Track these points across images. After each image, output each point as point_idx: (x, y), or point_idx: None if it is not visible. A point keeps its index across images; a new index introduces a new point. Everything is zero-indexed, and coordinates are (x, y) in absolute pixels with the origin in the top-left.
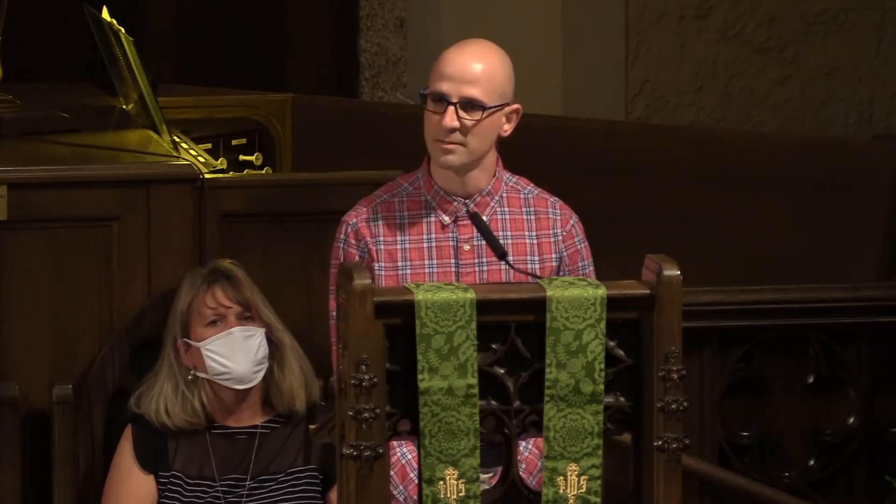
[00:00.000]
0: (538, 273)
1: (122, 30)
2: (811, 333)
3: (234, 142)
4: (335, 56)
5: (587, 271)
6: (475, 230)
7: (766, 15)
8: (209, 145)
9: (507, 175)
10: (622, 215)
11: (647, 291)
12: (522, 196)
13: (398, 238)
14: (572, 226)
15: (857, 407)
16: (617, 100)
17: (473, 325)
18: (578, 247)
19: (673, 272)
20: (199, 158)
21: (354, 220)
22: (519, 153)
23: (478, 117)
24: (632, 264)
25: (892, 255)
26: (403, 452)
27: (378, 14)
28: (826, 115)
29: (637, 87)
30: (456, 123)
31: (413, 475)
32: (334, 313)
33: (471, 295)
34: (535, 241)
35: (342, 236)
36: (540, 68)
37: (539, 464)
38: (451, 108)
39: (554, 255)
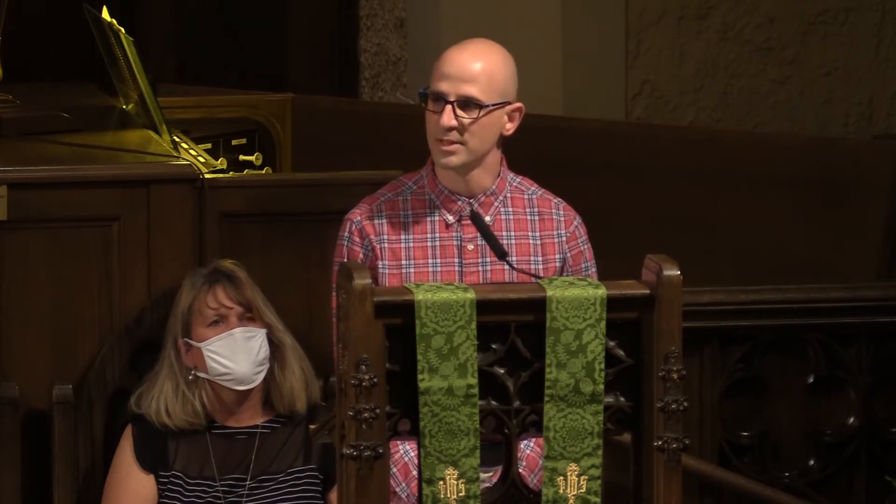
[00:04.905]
0: (541, 274)
1: (122, 30)
2: (811, 333)
3: (234, 142)
4: (335, 56)
5: (590, 272)
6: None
7: (766, 15)
8: (209, 145)
9: (511, 175)
10: (622, 215)
11: (647, 291)
12: (526, 197)
13: (402, 237)
14: (576, 227)
15: (857, 407)
16: (617, 100)
17: (473, 325)
18: (582, 248)
19: (673, 272)
20: (199, 158)
21: (359, 217)
22: (519, 153)
23: (475, 116)
24: (632, 264)
25: (892, 255)
26: (406, 450)
27: (378, 14)
28: (826, 115)
29: (637, 87)
30: (453, 122)
31: (415, 473)
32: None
33: (471, 295)
34: (538, 242)
35: (346, 234)
36: (540, 68)
37: (541, 462)
38: (448, 108)
39: (558, 256)
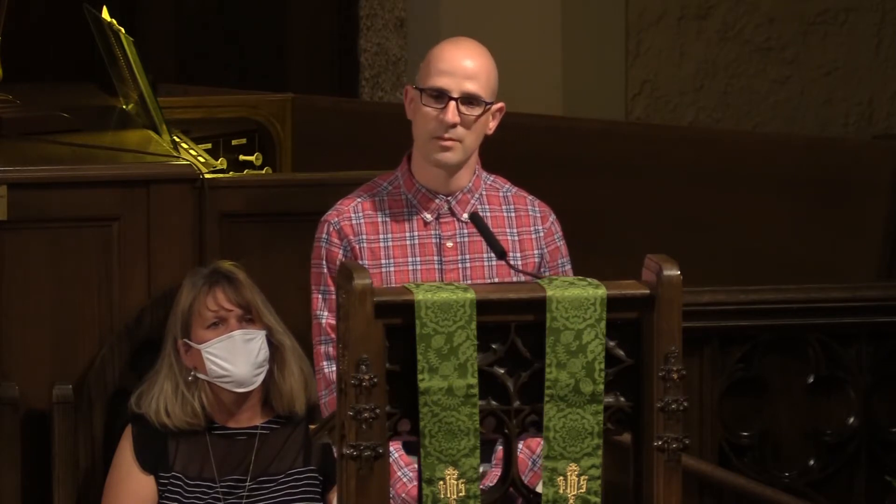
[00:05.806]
0: (522, 269)
1: (122, 30)
2: (811, 333)
3: (234, 142)
4: (335, 56)
5: (566, 268)
6: (457, 227)
7: (766, 15)
8: (209, 145)
9: (484, 173)
10: (622, 215)
11: (647, 291)
12: (501, 194)
13: (381, 236)
14: (551, 223)
15: (857, 407)
16: (617, 100)
17: (473, 325)
18: (558, 244)
19: (673, 272)
20: (199, 158)
21: (336, 219)
22: (519, 153)
23: (477, 112)
24: (632, 264)
25: (892, 255)
26: (391, 451)
27: (378, 14)
28: (826, 115)
29: (637, 87)
30: (458, 118)
31: (400, 473)
32: (318, 312)
33: (471, 295)
34: (516, 239)
35: (324, 235)
36: (540, 68)
37: (529, 463)
38: (452, 104)
39: (536, 252)
